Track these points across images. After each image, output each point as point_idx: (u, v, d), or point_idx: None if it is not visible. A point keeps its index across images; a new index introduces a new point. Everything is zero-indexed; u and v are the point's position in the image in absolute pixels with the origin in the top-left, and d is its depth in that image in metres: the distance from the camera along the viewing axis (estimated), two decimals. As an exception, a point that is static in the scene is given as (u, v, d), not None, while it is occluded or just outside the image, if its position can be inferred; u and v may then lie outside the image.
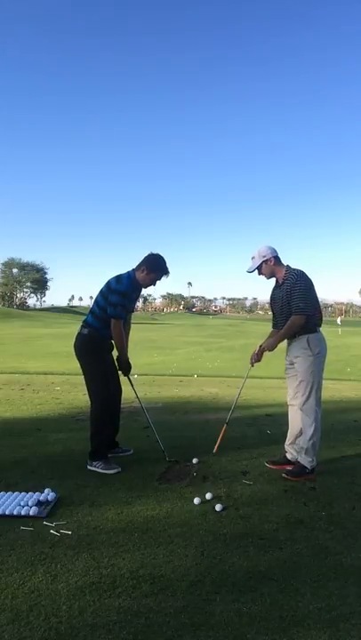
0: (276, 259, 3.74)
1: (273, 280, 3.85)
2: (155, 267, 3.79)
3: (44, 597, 2.07)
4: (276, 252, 3.74)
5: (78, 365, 3.87)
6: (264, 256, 3.70)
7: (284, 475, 3.59)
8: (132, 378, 4.07)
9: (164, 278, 3.89)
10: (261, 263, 3.72)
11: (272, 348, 3.71)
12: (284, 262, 3.78)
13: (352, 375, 12.74)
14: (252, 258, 3.76)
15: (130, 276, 3.78)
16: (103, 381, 3.78)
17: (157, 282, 3.87)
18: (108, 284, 3.76)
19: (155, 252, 3.85)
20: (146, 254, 3.83)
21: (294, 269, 3.71)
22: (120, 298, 3.67)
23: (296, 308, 3.58)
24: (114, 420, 3.99)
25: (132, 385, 4.11)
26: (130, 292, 3.77)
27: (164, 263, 3.83)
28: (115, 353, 3.85)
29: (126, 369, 3.84)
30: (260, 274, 3.78)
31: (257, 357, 3.91)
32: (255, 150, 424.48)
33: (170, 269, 3.87)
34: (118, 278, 3.76)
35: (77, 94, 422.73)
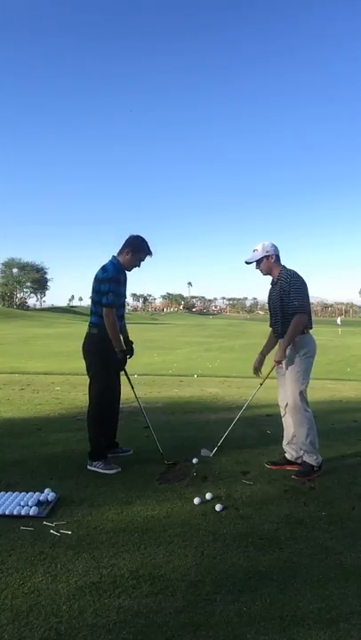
0: (277, 257, 3.78)
1: (269, 278, 3.88)
2: (138, 247, 3.85)
3: (44, 597, 2.07)
4: (278, 250, 3.80)
5: (83, 365, 3.87)
6: (267, 252, 3.74)
7: (293, 476, 3.58)
8: (131, 378, 4.08)
9: (147, 259, 3.93)
10: (262, 258, 3.75)
11: (282, 357, 3.64)
12: (283, 263, 3.83)
13: (352, 375, 12.72)
14: (254, 250, 3.79)
15: (113, 262, 3.82)
16: (105, 376, 3.80)
17: (141, 263, 3.92)
18: (95, 277, 3.79)
19: (134, 233, 3.89)
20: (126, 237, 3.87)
21: (288, 269, 3.75)
22: (110, 284, 3.69)
23: (292, 307, 3.60)
24: (112, 417, 3.99)
25: (131, 386, 4.10)
26: (118, 277, 3.78)
27: (147, 243, 3.89)
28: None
29: (122, 359, 3.73)
30: (257, 267, 3.81)
31: (258, 365, 3.97)
32: (256, 150, 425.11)
33: (152, 250, 3.90)
34: (103, 268, 3.79)
35: (77, 96, 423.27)
